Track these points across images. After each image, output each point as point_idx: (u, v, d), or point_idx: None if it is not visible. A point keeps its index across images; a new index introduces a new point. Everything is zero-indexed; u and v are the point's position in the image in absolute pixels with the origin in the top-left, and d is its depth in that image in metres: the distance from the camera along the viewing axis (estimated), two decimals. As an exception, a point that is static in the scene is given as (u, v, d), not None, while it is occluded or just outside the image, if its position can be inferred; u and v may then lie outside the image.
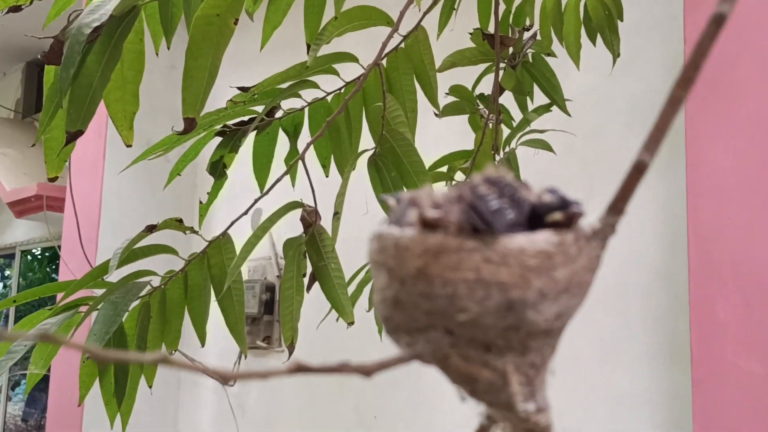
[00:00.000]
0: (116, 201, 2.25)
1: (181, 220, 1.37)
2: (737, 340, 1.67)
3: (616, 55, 1.59)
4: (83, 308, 1.36)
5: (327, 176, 1.54)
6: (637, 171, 0.64)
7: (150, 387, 1.43)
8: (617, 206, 0.65)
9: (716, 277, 1.66)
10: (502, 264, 0.58)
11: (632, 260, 1.86)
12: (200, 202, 1.58)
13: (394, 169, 1.42)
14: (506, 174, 0.67)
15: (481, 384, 0.59)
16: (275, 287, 2.23)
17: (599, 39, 1.60)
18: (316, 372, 0.63)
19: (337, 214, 1.42)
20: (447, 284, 0.58)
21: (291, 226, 1.46)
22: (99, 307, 1.34)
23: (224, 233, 1.39)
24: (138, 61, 1.18)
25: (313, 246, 1.40)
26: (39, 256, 6.39)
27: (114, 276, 1.38)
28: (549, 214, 0.60)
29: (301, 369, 0.63)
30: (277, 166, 1.53)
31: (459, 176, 1.65)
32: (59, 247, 2.61)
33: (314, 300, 1.49)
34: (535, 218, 0.66)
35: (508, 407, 0.60)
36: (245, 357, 1.59)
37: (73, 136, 1.14)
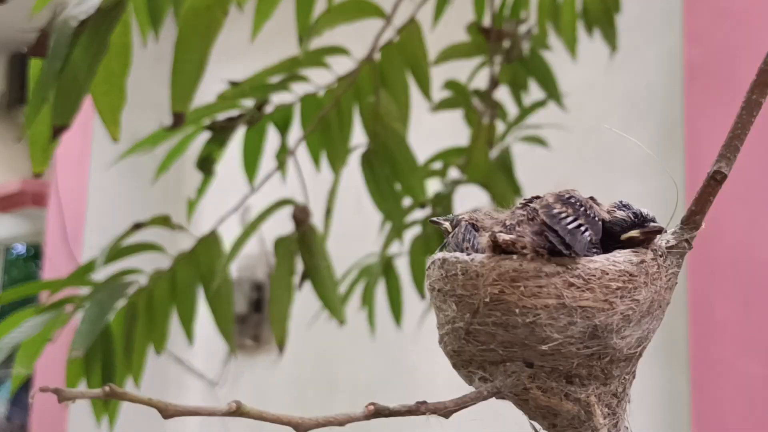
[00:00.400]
0: (102, 197, 2.21)
1: (168, 218, 1.33)
2: (736, 341, 1.65)
3: (613, 48, 1.57)
4: (68, 307, 1.33)
5: (318, 171, 1.51)
6: (715, 182, 0.58)
7: (137, 386, 1.40)
8: (693, 220, 0.59)
9: (715, 277, 1.64)
10: (584, 288, 0.56)
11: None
12: (188, 199, 1.54)
13: (387, 165, 1.39)
14: (575, 190, 0.63)
15: (563, 417, 0.57)
16: (264, 285, 2.20)
17: (596, 32, 1.57)
18: (395, 415, 0.59)
19: (328, 212, 1.39)
20: (527, 312, 0.55)
21: (281, 223, 1.43)
22: (84, 306, 1.30)
23: (213, 231, 1.36)
24: (125, 55, 1.14)
25: (304, 244, 1.37)
26: (23, 253, 6.31)
27: (100, 274, 1.35)
28: (624, 231, 0.58)
29: (379, 414, 0.58)
30: (268, 161, 1.50)
31: (453, 173, 1.62)
32: (43, 244, 2.56)
33: (305, 299, 1.46)
34: (608, 236, 0.59)
35: None
36: (235, 357, 1.56)
37: (58, 131, 1.11)
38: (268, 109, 1.47)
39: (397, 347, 1.82)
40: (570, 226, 0.57)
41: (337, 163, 1.43)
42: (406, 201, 1.46)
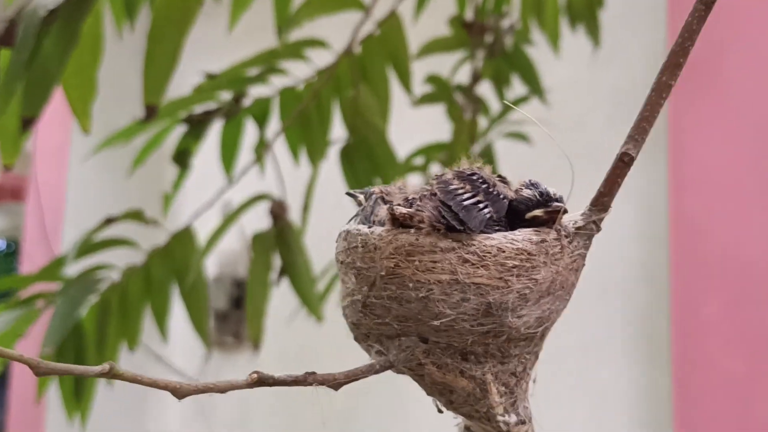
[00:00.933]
0: (82, 191, 2.18)
1: (141, 212, 1.31)
2: (718, 339, 1.64)
3: (596, 44, 1.55)
4: (40, 303, 1.30)
5: (297, 165, 1.49)
6: (623, 163, 0.59)
7: (110, 384, 1.37)
8: (602, 201, 0.58)
9: (698, 274, 1.62)
10: (479, 265, 0.55)
11: (611, 255, 1.82)
12: (164, 193, 1.52)
13: (366, 160, 1.37)
14: (482, 168, 0.62)
15: (459, 394, 0.56)
16: (245, 283, 2.18)
17: (580, 28, 1.55)
18: (279, 384, 0.58)
19: (306, 207, 1.37)
20: (420, 286, 0.55)
21: (262, 218, 1.41)
22: (56, 302, 1.28)
23: (187, 226, 1.34)
24: (96, 46, 1.12)
25: (281, 240, 1.35)
26: (3, 249, 6.24)
27: (73, 270, 1.32)
28: (529, 210, 0.58)
29: (263, 382, 0.57)
30: (246, 155, 1.47)
31: (436, 168, 1.60)
32: (20, 239, 2.53)
33: (285, 295, 1.43)
34: (514, 215, 0.58)
35: (487, 419, 0.57)
36: (211, 354, 1.54)
37: (27, 123, 1.09)
38: (246, 102, 1.45)
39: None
40: (466, 203, 0.56)
41: (316, 157, 1.41)
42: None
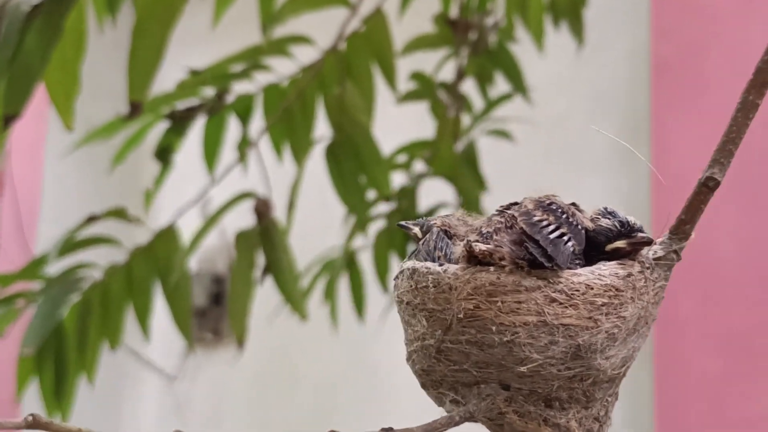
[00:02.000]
0: (58, 187, 2.15)
1: (124, 210, 1.30)
2: (697, 337, 1.65)
3: (580, 42, 1.55)
4: (20, 302, 1.28)
5: (281, 162, 1.48)
6: (707, 189, 0.55)
7: (91, 383, 1.36)
8: (683, 229, 0.56)
9: (677, 273, 1.63)
10: (567, 304, 0.51)
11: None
12: (146, 190, 1.50)
13: (352, 158, 1.36)
14: (556, 195, 0.57)
15: None
16: (225, 279, 2.17)
17: (563, 26, 1.55)
18: None
19: (291, 205, 1.36)
20: (505, 330, 0.51)
21: (242, 216, 1.40)
22: (37, 301, 1.26)
23: (170, 224, 1.32)
24: (80, 41, 1.10)
25: (265, 238, 1.34)
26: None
27: (54, 268, 1.30)
28: (609, 241, 0.54)
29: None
30: (229, 153, 1.46)
31: (418, 166, 1.59)
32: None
33: (266, 293, 1.42)
34: (591, 245, 0.55)
35: None
36: (193, 352, 1.53)
37: (9, 120, 1.07)
38: (230, 98, 1.43)
39: (360, 342, 1.80)
40: (552, 236, 0.53)
41: (300, 155, 1.40)
42: (371, 194, 1.43)
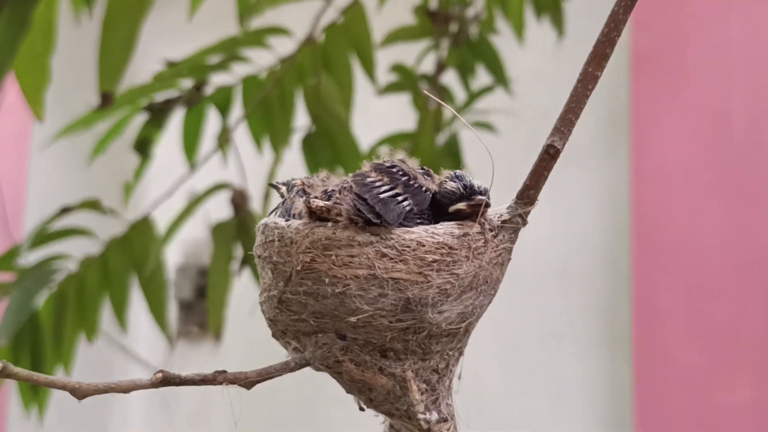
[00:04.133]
0: (44, 179, 2.15)
1: (98, 202, 1.29)
2: (679, 331, 1.65)
3: (560, 33, 1.54)
4: (-6, 294, 1.28)
5: (260, 153, 1.47)
6: (548, 156, 0.56)
7: (68, 374, 1.35)
8: (527, 195, 0.57)
9: (659, 266, 1.63)
10: (398, 259, 0.53)
11: (573, 247, 1.82)
12: (125, 182, 1.50)
13: (328, 149, 1.36)
14: (404, 160, 0.59)
15: (378, 392, 0.55)
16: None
17: (545, 18, 1.54)
18: (187, 383, 0.56)
19: (267, 196, 1.35)
20: (337, 282, 0.53)
21: (224, 206, 1.40)
22: (11, 293, 1.26)
23: (146, 216, 1.32)
24: (49, 32, 1.10)
25: (243, 229, 1.34)
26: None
27: (29, 260, 1.30)
28: (453, 203, 0.56)
29: (169, 381, 0.55)
30: (209, 144, 1.46)
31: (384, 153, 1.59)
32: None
33: (251, 285, 1.42)
34: (438, 208, 0.57)
35: (408, 417, 0.56)
36: (172, 345, 1.53)
37: (-21, 110, 1.06)
38: (208, 90, 1.43)
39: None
40: (383, 195, 0.55)
41: (279, 145, 1.39)
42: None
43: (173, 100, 1.43)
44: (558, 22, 1.54)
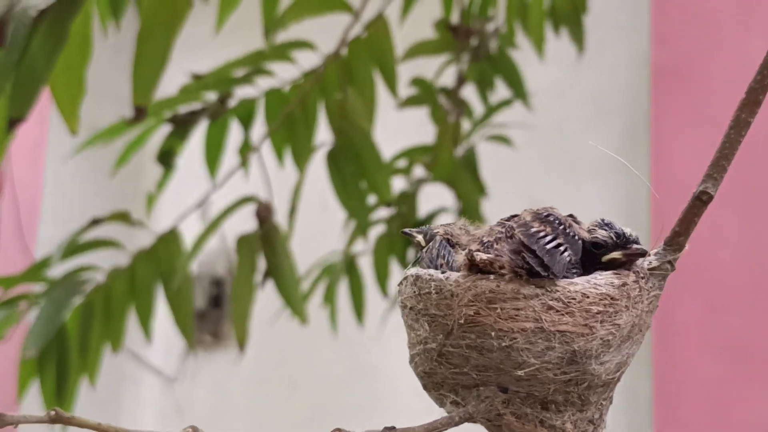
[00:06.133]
0: (59, 190, 2.16)
1: (127, 214, 1.30)
2: (698, 343, 1.66)
3: (580, 48, 1.56)
4: (23, 305, 1.29)
5: (282, 167, 1.48)
6: (700, 202, 0.57)
7: (93, 385, 1.36)
8: (677, 241, 0.58)
9: (677, 278, 1.63)
10: (564, 312, 0.54)
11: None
12: (148, 193, 1.51)
13: (353, 163, 1.37)
14: (553, 208, 0.60)
15: None
16: (224, 281, 2.17)
17: (564, 32, 1.56)
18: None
19: (293, 210, 1.36)
20: (503, 335, 0.53)
21: (241, 220, 1.41)
22: (39, 303, 1.27)
23: (173, 228, 1.33)
24: (85, 45, 1.11)
25: (267, 242, 1.35)
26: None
27: (56, 271, 1.31)
28: (606, 252, 0.56)
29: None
30: (230, 157, 1.47)
31: (418, 171, 1.60)
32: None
33: (266, 295, 1.43)
34: (588, 256, 0.57)
35: None
36: (194, 354, 1.53)
37: (14, 123, 1.07)
38: (232, 102, 1.44)
39: (359, 346, 1.81)
40: (548, 246, 0.55)
41: (301, 159, 1.40)
42: (371, 199, 1.44)
43: (197, 112, 1.44)
44: (577, 37, 1.55)
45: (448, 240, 0.60)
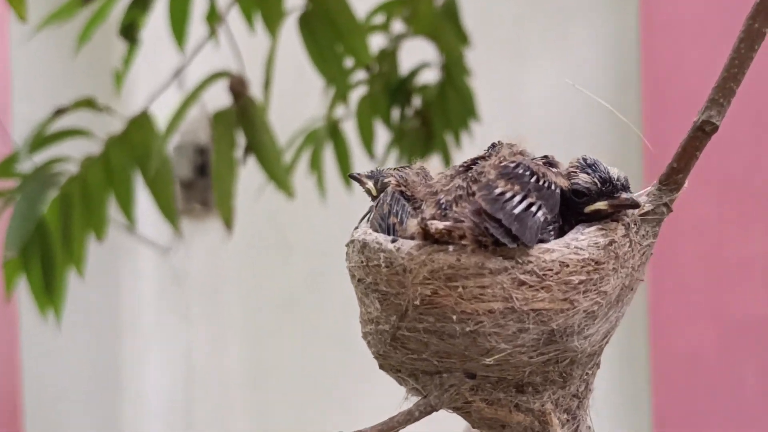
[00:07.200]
0: (28, 79, 2.07)
1: (93, 100, 1.24)
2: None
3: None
4: (-3, 201, 1.25)
5: (253, 33, 1.40)
6: (703, 134, 0.47)
7: (81, 275, 1.34)
8: (675, 179, 0.47)
9: (671, 118, 1.58)
10: (539, 286, 0.45)
11: (580, 105, 1.77)
12: (115, 70, 1.43)
13: (327, 26, 1.29)
14: (524, 151, 0.49)
15: (513, 429, 0.48)
16: (207, 149, 2.12)
17: None
18: None
19: (267, 82, 1.30)
20: (466, 319, 0.45)
21: (218, 89, 1.35)
22: (14, 199, 1.23)
23: (144, 110, 1.27)
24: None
25: (244, 117, 1.29)
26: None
27: (27, 165, 1.26)
28: (589, 200, 0.47)
29: None
30: (199, 28, 1.39)
31: (397, 26, 1.52)
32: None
33: (253, 168, 1.39)
34: (567, 205, 0.48)
35: None
36: (180, 236, 1.51)
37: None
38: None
39: (349, 209, 1.78)
40: (517, 210, 0.46)
41: (272, 25, 1.33)
42: (349, 62, 1.37)
43: (157, -20, 1.35)
44: None
45: (401, 192, 0.52)
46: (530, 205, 0.46)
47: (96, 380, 2.26)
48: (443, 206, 0.48)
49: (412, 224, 0.48)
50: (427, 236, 0.46)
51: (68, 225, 1.27)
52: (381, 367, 0.52)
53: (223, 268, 2.17)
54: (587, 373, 0.50)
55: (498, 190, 0.47)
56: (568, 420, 0.49)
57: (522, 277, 0.46)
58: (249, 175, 1.47)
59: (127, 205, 1.30)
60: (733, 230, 1.61)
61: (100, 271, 2.14)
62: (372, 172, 0.57)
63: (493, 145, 0.52)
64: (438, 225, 0.45)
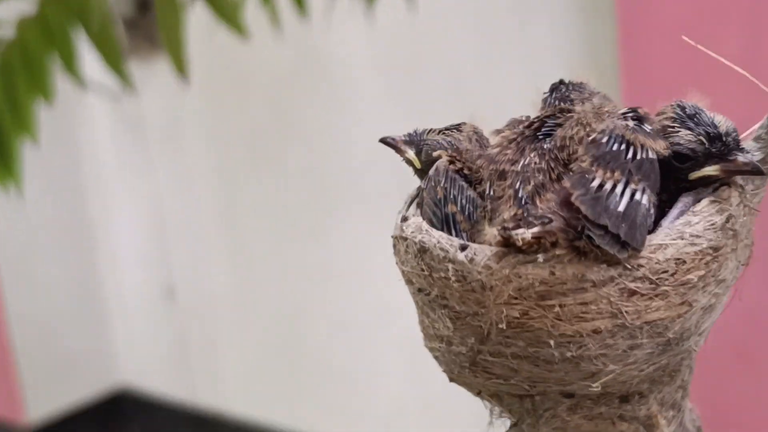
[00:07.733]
0: None
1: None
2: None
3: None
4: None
5: None
6: None
7: (36, 142, 1.28)
8: None
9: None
10: (653, 294, 0.37)
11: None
12: None
13: None
14: (613, 118, 0.39)
15: None
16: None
17: None
18: None
19: None
20: (566, 343, 0.38)
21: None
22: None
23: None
24: None
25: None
26: None
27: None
28: (694, 164, 0.39)
29: None
30: None
31: None
32: None
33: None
34: (666, 168, 0.40)
35: None
36: (132, 92, 1.44)
37: None
38: None
39: (308, 35, 1.70)
40: (622, 206, 0.37)
41: None
42: None
43: None
44: None
45: (458, 171, 0.41)
46: (634, 193, 0.38)
47: (68, 241, 2.24)
48: (523, 201, 0.39)
49: (491, 234, 0.39)
50: (509, 244, 0.38)
51: (13, 92, 1.20)
52: (451, 380, 0.44)
53: (181, 110, 2.10)
54: (691, 359, 0.43)
55: (596, 182, 0.37)
56: (674, 416, 0.43)
57: (632, 285, 0.38)
58: (196, 13, 1.39)
59: (71, 65, 1.22)
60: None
61: (54, 134, 2.07)
62: (410, 135, 0.44)
63: (556, 89, 0.43)
64: (526, 236, 0.36)
